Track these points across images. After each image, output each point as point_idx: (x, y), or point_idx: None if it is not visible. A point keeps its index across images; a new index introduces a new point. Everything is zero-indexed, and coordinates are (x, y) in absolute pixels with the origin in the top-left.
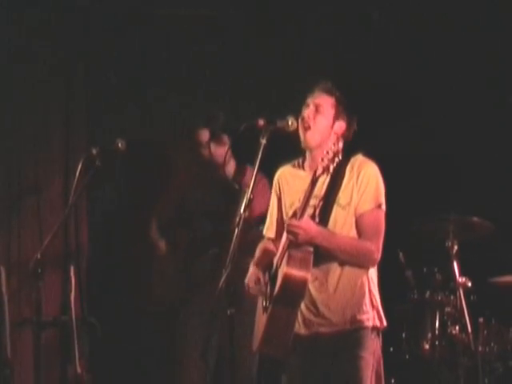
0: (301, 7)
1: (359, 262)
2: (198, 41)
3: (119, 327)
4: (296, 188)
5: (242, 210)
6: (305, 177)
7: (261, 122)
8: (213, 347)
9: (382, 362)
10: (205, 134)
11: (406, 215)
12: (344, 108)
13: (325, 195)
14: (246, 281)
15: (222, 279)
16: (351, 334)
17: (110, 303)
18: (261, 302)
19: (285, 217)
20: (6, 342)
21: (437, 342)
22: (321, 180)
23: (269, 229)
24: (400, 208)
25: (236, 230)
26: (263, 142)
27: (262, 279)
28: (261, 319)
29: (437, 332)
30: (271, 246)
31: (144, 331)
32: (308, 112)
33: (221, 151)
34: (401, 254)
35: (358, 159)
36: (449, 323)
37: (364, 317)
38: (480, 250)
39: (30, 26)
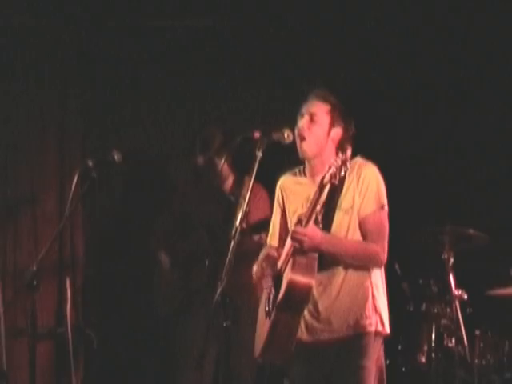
0: (301, 8)
1: (365, 264)
2: (196, 51)
3: (115, 338)
4: (299, 195)
5: (237, 223)
6: (307, 183)
7: (257, 134)
8: (210, 360)
9: (384, 368)
10: (199, 160)
11: (402, 227)
12: (340, 113)
13: (326, 201)
14: (253, 274)
15: (218, 292)
16: (353, 342)
17: (105, 314)
18: (262, 307)
19: (289, 224)
20: (2, 354)
21: (433, 355)
22: (327, 187)
23: (272, 237)
24: (396, 220)
25: (232, 243)
26: (259, 154)
27: (266, 272)
28: (263, 324)
29: (433, 344)
30: (274, 252)
31: (140, 342)
32: (303, 123)
33: (215, 173)
34: (397, 266)
35: (357, 162)
36: (445, 335)
37: (367, 322)
38: (476, 262)
39: (24, 37)
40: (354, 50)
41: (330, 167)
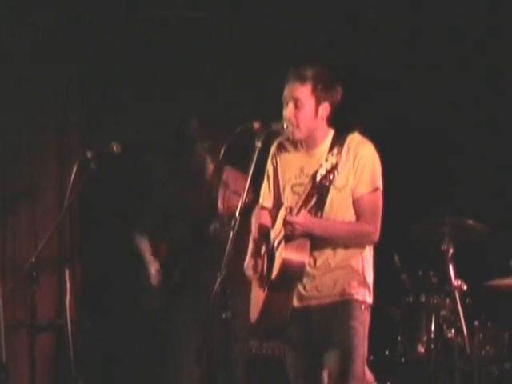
0: (302, 8)
1: (358, 244)
2: (195, 43)
3: (114, 330)
4: (292, 164)
5: (237, 214)
6: (301, 155)
7: (256, 125)
8: (206, 350)
9: (366, 337)
10: (175, 144)
11: (402, 218)
12: (323, 87)
13: (322, 180)
14: (245, 265)
15: (217, 282)
16: (341, 306)
17: (104, 306)
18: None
19: (281, 189)
20: (1, 346)
21: (432, 346)
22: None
23: (265, 198)
24: (395, 211)
25: (231, 234)
26: (258, 145)
27: (258, 265)
28: (257, 293)
29: (432, 335)
30: (265, 219)
31: (139, 334)
32: (288, 112)
33: (190, 160)
34: (396, 257)
35: (355, 139)
36: (444, 326)
37: (353, 291)
38: (475, 252)
39: (27, 32)
40: (354, 47)
41: (321, 165)
